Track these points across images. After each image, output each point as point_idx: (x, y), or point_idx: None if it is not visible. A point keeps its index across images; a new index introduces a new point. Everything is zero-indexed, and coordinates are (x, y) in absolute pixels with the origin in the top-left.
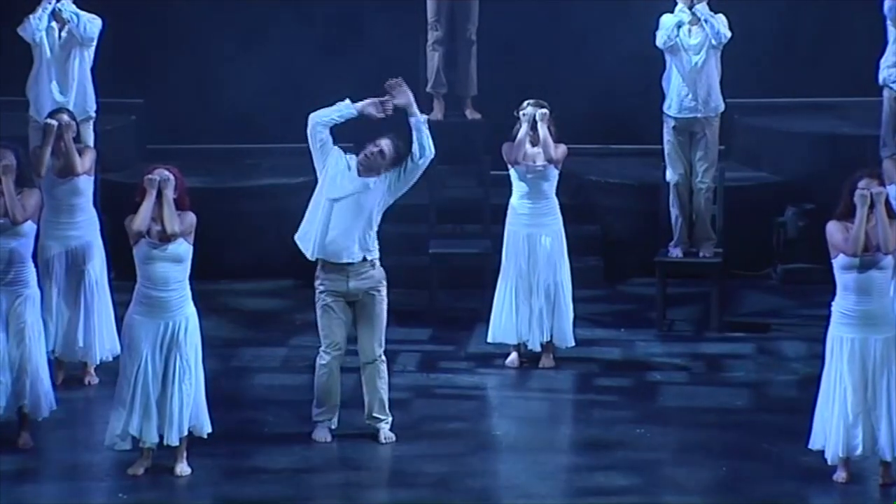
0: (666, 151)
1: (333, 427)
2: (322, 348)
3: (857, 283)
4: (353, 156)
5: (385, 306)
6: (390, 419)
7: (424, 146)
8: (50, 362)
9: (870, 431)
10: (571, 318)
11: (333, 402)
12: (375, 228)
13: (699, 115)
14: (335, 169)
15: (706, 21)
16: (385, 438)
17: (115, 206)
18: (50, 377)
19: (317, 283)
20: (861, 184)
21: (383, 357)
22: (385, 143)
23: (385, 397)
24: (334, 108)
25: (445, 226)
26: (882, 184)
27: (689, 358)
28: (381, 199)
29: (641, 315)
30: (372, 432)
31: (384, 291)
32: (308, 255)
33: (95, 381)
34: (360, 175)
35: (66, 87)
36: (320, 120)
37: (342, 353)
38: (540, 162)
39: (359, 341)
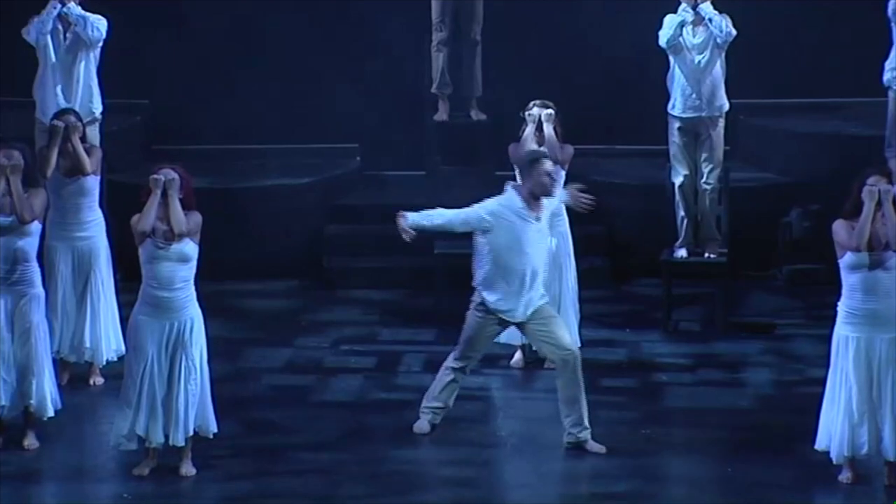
0: (671, 152)
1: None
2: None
3: (863, 282)
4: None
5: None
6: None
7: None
8: (55, 362)
9: (875, 431)
10: (577, 318)
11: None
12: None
13: (704, 115)
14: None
15: (710, 20)
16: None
17: (121, 206)
18: (55, 377)
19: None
20: (870, 180)
21: None
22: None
23: None
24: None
25: None
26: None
27: (695, 358)
28: None
29: (647, 315)
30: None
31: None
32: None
33: (101, 381)
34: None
35: (71, 91)
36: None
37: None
38: None
39: None
